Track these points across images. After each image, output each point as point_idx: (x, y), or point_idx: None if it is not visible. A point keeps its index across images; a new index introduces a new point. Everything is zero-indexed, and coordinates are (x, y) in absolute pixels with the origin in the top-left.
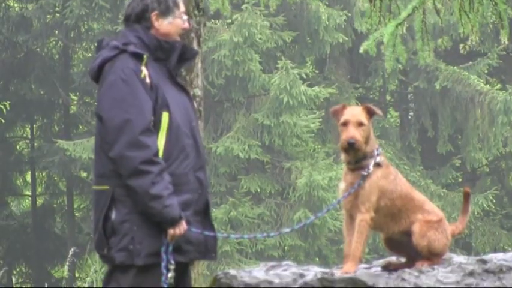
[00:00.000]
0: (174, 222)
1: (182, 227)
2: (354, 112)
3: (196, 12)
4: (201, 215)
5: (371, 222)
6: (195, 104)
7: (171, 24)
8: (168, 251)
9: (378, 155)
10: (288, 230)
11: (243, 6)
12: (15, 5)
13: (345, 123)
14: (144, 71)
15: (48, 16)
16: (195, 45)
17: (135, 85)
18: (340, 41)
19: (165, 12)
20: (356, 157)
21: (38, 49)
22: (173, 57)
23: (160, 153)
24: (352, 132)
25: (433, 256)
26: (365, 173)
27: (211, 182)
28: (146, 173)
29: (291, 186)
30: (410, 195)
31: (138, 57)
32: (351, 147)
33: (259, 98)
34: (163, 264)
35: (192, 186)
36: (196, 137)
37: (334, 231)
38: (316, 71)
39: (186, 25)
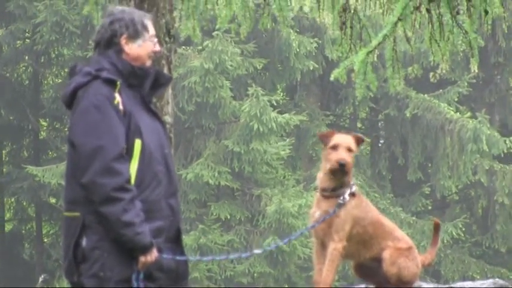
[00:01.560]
0: (145, 249)
1: (153, 254)
2: (344, 138)
3: (167, 38)
4: (173, 242)
5: (343, 251)
6: None
7: (141, 47)
8: (139, 278)
9: (353, 185)
10: (259, 251)
11: (214, 33)
12: None
13: (335, 147)
14: (117, 98)
15: (18, 42)
16: (165, 72)
17: (108, 112)
18: (311, 68)
19: (134, 35)
20: (339, 182)
21: (8, 74)
22: (147, 83)
23: (133, 180)
24: (343, 155)
25: (402, 284)
26: (341, 202)
27: (181, 208)
28: (118, 200)
29: (260, 213)
30: (380, 221)
31: (111, 83)
32: (341, 169)
33: (230, 125)
34: None
35: (164, 213)
36: (169, 163)
37: (304, 258)
38: (287, 98)
39: (157, 48)
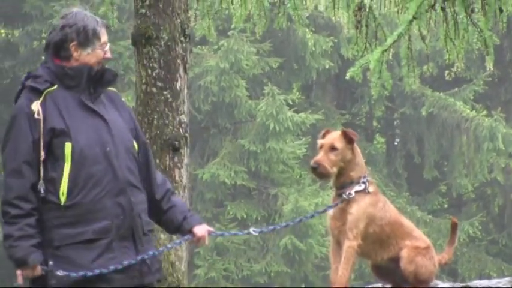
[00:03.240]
0: (18, 263)
1: (31, 271)
2: (330, 137)
3: (182, 38)
4: (130, 240)
5: (358, 249)
6: (180, 131)
7: (90, 55)
8: None
9: (363, 182)
10: (283, 224)
11: (230, 33)
12: (2, 31)
13: (319, 148)
14: (35, 106)
15: (35, 42)
16: (181, 72)
17: (18, 123)
18: (327, 67)
19: (84, 43)
20: (344, 179)
21: (25, 75)
22: (82, 82)
23: (65, 184)
24: (318, 157)
25: (419, 283)
26: (345, 197)
27: (198, 208)
28: (4, 214)
29: (277, 212)
30: (399, 221)
31: (35, 91)
32: (314, 171)
33: (246, 124)
34: None
35: (110, 211)
36: (113, 161)
37: (321, 257)
38: (303, 97)
39: (108, 55)
